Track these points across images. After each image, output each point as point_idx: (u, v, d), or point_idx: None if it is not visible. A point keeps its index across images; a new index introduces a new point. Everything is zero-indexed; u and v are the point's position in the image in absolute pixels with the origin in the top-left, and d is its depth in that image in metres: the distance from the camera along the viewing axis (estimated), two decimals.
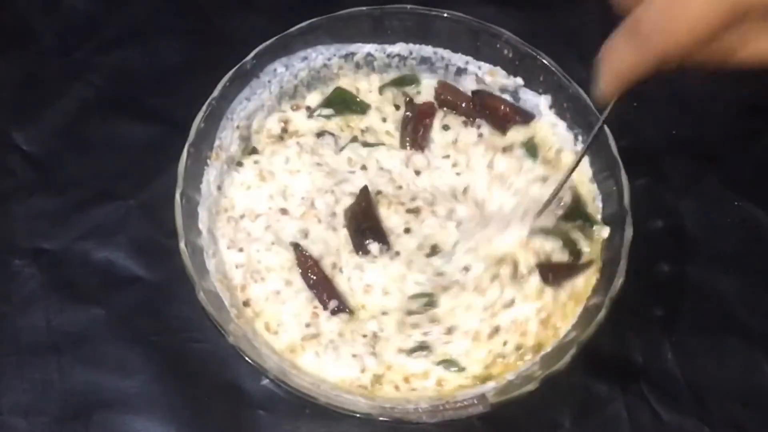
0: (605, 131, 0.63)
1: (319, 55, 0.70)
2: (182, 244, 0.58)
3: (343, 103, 0.70)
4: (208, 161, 0.65)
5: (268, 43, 0.66)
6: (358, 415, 0.54)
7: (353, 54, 0.71)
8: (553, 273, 0.61)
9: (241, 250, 0.63)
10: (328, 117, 0.70)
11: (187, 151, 0.61)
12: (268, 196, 0.65)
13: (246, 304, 0.61)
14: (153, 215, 0.69)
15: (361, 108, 0.70)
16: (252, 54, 0.66)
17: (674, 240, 0.71)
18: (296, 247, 0.63)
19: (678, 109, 0.76)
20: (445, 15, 0.68)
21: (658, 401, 0.64)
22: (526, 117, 0.69)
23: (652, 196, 0.71)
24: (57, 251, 0.69)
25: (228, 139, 0.67)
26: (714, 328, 0.67)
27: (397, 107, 0.71)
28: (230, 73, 0.65)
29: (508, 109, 0.69)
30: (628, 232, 0.59)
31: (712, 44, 0.41)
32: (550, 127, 0.68)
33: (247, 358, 0.54)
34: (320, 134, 0.68)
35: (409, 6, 0.69)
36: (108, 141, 0.74)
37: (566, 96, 0.66)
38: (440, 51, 0.71)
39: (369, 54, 0.71)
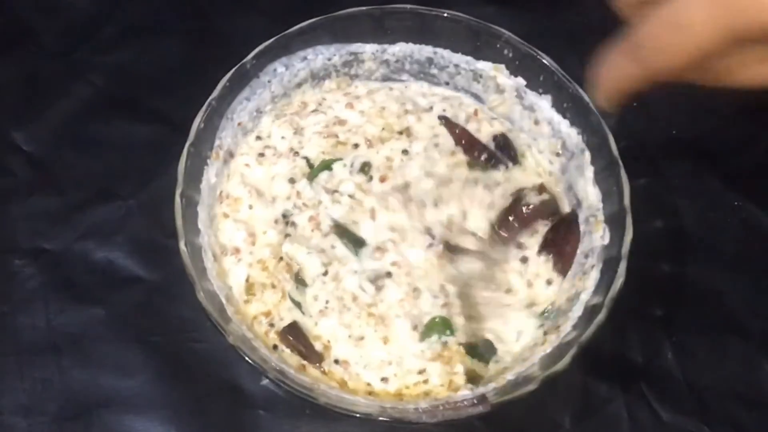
0: (605, 131, 0.63)
1: (319, 55, 0.70)
2: (182, 244, 0.58)
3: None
4: (208, 161, 0.65)
5: (268, 43, 0.67)
6: (358, 415, 0.54)
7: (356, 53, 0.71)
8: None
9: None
10: None
11: (187, 151, 0.61)
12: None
13: None
14: (153, 215, 0.69)
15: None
16: (252, 54, 0.66)
17: (674, 240, 0.71)
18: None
19: (678, 109, 0.76)
20: (445, 15, 0.68)
21: (658, 401, 0.64)
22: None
23: (652, 196, 0.71)
24: (57, 251, 0.69)
25: (228, 138, 0.67)
26: (714, 328, 0.67)
27: None
28: (230, 73, 0.65)
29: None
30: (628, 232, 0.59)
31: (711, 64, 0.42)
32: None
33: (247, 358, 0.54)
34: None
35: (409, 6, 0.69)
36: (108, 141, 0.74)
37: (567, 96, 0.66)
38: (440, 51, 0.71)
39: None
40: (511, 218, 0.65)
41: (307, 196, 0.66)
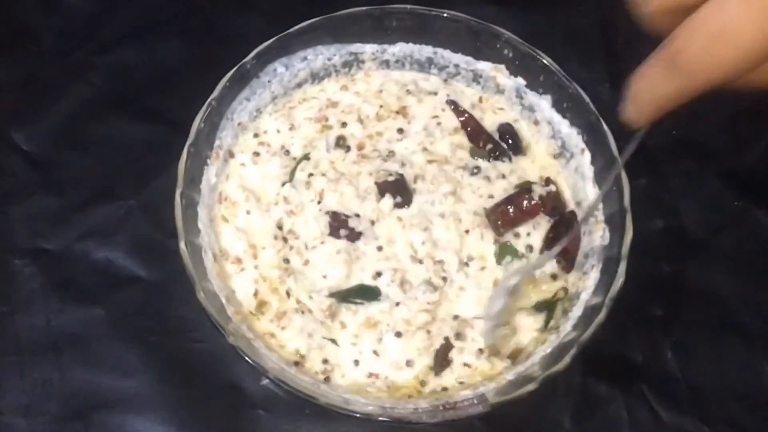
0: (605, 130, 0.63)
1: (319, 55, 0.70)
2: (182, 244, 0.58)
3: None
4: (208, 161, 0.65)
5: (268, 43, 0.67)
6: (358, 415, 0.54)
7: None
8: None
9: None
10: None
11: (187, 151, 0.61)
12: None
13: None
14: (153, 215, 0.69)
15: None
16: (252, 54, 0.66)
17: (674, 240, 0.71)
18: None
19: (677, 109, 0.76)
20: (445, 15, 0.68)
21: (658, 401, 0.64)
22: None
23: (652, 196, 0.71)
24: (57, 251, 0.69)
25: (228, 138, 0.67)
26: (714, 328, 0.67)
27: None
28: (230, 73, 0.65)
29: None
30: (628, 232, 0.59)
31: (755, 71, 0.39)
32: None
33: (247, 358, 0.54)
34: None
35: (409, 6, 0.69)
36: (108, 141, 0.74)
37: (567, 96, 0.67)
38: (440, 51, 0.71)
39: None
40: (510, 209, 0.65)
41: (293, 201, 0.66)
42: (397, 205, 0.66)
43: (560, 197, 0.68)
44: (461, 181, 0.67)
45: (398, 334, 0.61)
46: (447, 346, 0.61)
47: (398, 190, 0.66)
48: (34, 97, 0.76)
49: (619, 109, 0.45)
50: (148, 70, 0.78)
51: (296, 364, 0.60)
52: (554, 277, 0.64)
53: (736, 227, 0.72)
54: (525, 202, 0.66)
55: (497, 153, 0.69)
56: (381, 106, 0.71)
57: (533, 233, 0.66)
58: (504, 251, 0.65)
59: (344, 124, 0.70)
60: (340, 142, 0.69)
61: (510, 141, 0.70)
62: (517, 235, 0.66)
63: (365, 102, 0.71)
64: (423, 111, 0.71)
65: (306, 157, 0.68)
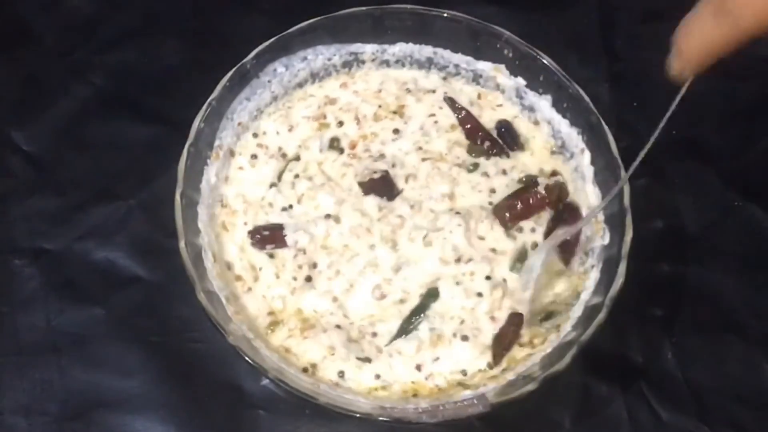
0: (605, 130, 0.63)
1: (319, 55, 0.70)
2: (182, 244, 0.58)
3: None
4: (208, 161, 0.65)
5: (268, 43, 0.67)
6: (358, 415, 0.54)
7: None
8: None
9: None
10: None
11: (187, 151, 0.61)
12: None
13: None
14: (153, 215, 0.69)
15: None
16: (252, 54, 0.66)
17: (674, 240, 0.71)
18: None
19: (678, 109, 0.76)
20: (445, 15, 0.68)
21: (658, 401, 0.64)
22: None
23: (652, 196, 0.71)
24: (57, 251, 0.68)
25: (228, 138, 0.67)
26: (714, 328, 0.67)
27: None
28: (230, 73, 0.65)
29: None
30: (628, 232, 0.59)
31: None
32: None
33: (247, 358, 0.54)
34: None
35: (409, 6, 0.69)
36: (108, 141, 0.74)
37: (567, 96, 0.66)
38: (440, 51, 0.71)
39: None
40: (518, 204, 0.65)
41: (277, 206, 0.66)
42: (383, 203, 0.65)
43: (565, 188, 0.67)
44: (457, 178, 0.67)
45: (464, 338, 0.61)
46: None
47: (384, 186, 0.66)
48: (34, 97, 0.76)
49: (666, 62, 0.46)
50: (148, 70, 0.78)
51: (305, 371, 0.60)
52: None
53: (736, 227, 0.72)
54: (531, 199, 0.65)
55: (495, 150, 0.69)
56: (379, 106, 0.71)
57: (537, 228, 0.65)
58: (518, 259, 0.64)
59: (341, 123, 0.70)
60: (334, 144, 0.69)
61: (508, 137, 0.69)
62: (520, 230, 0.65)
63: (364, 102, 0.71)
64: (420, 110, 0.71)
65: (296, 158, 0.68)
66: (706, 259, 0.70)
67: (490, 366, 0.60)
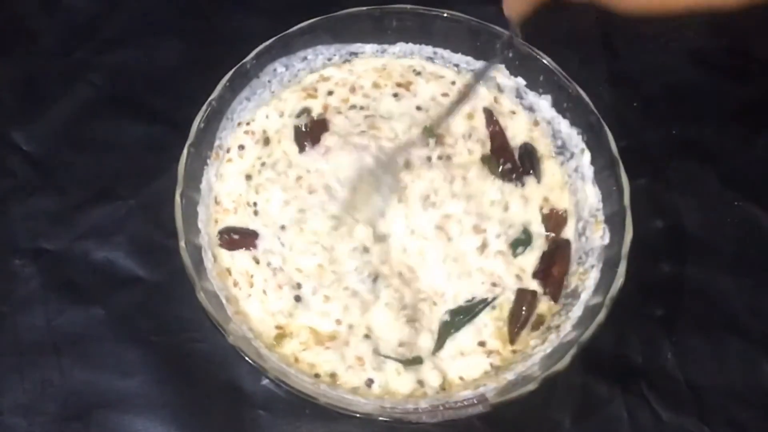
0: (605, 130, 0.63)
1: (319, 55, 0.70)
2: (182, 244, 0.58)
3: None
4: (208, 161, 0.65)
5: (268, 43, 0.67)
6: (358, 415, 0.54)
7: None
8: None
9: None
10: None
11: (187, 151, 0.61)
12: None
13: None
14: (153, 215, 0.69)
15: None
16: (252, 54, 0.66)
17: (674, 240, 0.71)
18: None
19: (678, 109, 0.76)
20: (445, 15, 0.68)
21: (658, 401, 0.64)
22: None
23: (652, 195, 0.71)
24: (57, 251, 0.69)
25: (228, 138, 0.67)
26: (714, 328, 0.67)
27: None
28: (230, 73, 0.65)
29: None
30: (628, 232, 0.59)
31: None
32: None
33: (247, 358, 0.54)
34: None
35: (409, 6, 0.69)
36: (108, 141, 0.74)
37: (567, 96, 0.66)
38: (440, 51, 0.71)
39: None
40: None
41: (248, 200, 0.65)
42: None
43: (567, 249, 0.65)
44: (457, 177, 0.66)
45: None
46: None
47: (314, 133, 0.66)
48: (34, 97, 0.76)
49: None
50: (148, 70, 0.78)
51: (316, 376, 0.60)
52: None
53: (736, 227, 0.72)
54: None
55: (513, 176, 0.67)
56: (380, 76, 0.69)
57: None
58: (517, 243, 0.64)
59: (331, 93, 0.68)
60: (302, 114, 0.67)
61: (527, 162, 0.68)
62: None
63: (361, 78, 0.69)
64: (430, 89, 0.69)
65: (266, 141, 0.67)
66: (706, 259, 0.70)
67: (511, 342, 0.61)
